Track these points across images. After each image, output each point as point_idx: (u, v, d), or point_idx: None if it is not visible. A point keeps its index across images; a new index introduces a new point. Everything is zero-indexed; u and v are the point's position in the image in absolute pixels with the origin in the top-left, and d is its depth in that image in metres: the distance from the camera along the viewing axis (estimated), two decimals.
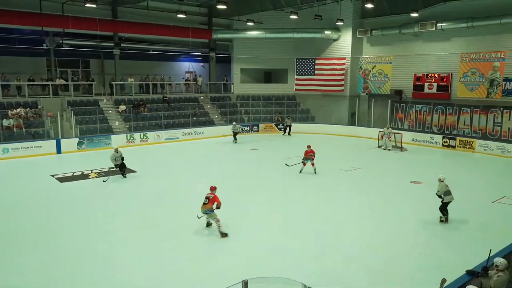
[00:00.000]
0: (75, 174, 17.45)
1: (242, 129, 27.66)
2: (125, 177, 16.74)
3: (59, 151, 21.94)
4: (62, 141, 22.24)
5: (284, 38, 31.08)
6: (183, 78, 34.83)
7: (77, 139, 22.89)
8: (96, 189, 15.34)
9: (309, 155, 16.98)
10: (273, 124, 30.43)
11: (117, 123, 25.57)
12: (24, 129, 22.04)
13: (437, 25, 24.42)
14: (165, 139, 25.66)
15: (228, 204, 11.37)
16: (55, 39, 27.19)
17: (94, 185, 15.95)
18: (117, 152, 16.67)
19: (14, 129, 21.74)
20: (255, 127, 30.09)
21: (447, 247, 10.12)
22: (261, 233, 10.85)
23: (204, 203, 10.48)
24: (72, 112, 24.32)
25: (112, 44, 28.37)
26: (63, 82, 26.67)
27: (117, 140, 23.78)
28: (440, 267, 8.83)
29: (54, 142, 22.02)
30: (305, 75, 31.39)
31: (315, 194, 14.62)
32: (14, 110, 22.46)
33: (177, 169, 18.78)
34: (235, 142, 25.66)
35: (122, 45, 29.01)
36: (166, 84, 31.23)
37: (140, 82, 30.26)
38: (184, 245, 10.06)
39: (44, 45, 27.32)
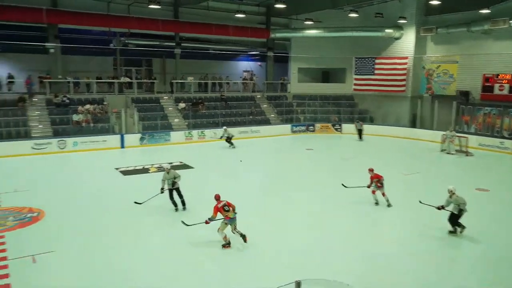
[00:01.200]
0: (136, 168, 18.25)
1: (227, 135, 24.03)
2: (184, 208, 12.41)
3: (122, 145, 23.07)
4: (126, 136, 23.36)
5: (342, 37, 30.45)
6: (240, 77, 35.26)
7: (139, 135, 23.94)
8: (154, 183, 15.91)
9: (376, 182, 12.95)
10: (329, 124, 29.96)
11: (176, 120, 26.41)
12: (91, 124, 23.40)
13: (511, 22, 22.79)
14: (221, 137, 26.08)
15: (274, 205, 11.33)
16: (121, 39, 28.59)
17: (153, 179, 16.55)
18: (168, 174, 12.24)
19: (83, 124, 23.14)
20: (310, 127, 29.80)
21: None
22: (309, 236, 10.73)
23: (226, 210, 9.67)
24: (135, 108, 25.49)
25: (174, 44, 29.33)
26: (127, 80, 27.98)
27: (176, 136, 24.62)
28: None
29: (118, 137, 23.19)
30: (364, 74, 30.60)
31: (368, 197, 14.20)
32: (84, 106, 23.93)
33: (232, 167, 19.06)
34: (233, 147, 23.61)
35: (183, 44, 29.89)
36: (224, 82, 31.80)
37: (199, 80, 31.04)
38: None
39: (111, 45, 28.81)
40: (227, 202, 9.76)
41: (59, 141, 21.48)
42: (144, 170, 17.85)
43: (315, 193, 14.40)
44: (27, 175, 16.87)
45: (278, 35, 31.72)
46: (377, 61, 29.95)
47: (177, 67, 29.80)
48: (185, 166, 18.55)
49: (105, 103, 25.13)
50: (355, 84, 31.30)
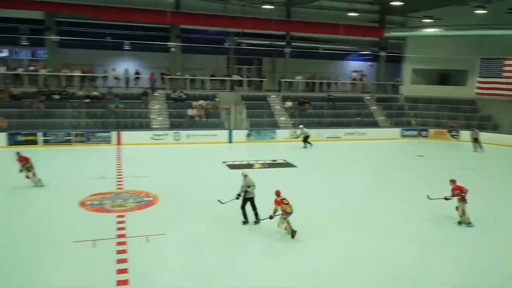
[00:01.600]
0: (242, 162, 18.89)
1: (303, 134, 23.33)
2: (256, 222, 10.91)
3: (230, 140, 24.10)
4: (234, 132, 24.35)
5: (465, 36, 27.84)
6: (349, 77, 34.41)
7: (246, 131, 24.77)
8: (257, 178, 16.26)
9: (458, 193, 11.17)
10: (445, 130, 27.64)
11: (282, 118, 26.75)
12: (204, 119, 24.84)
13: None
14: (327, 137, 25.75)
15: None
16: (234, 39, 29.84)
17: (257, 174, 16.95)
18: (244, 179, 11.02)
19: (196, 118, 24.67)
20: (423, 132, 27.84)
21: None
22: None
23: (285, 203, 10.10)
24: (244, 105, 26.43)
25: (284, 43, 29.71)
26: (238, 78, 29.13)
27: (281, 134, 24.94)
28: None
29: (227, 132, 24.27)
30: (490, 77, 27.68)
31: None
32: (197, 102, 25.52)
33: (336, 168, 18.67)
34: (308, 147, 22.99)
35: (293, 44, 30.15)
36: (333, 82, 31.31)
37: (307, 80, 31.01)
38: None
39: (225, 44, 30.25)
40: (285, 198, 10.15)
41: (174, 133, 23.22)
42: (249, 166, 18.35)
43: (417, 206, 13.18)
44: (146, 163, 18.55)
45: (393, 34, 30.24)
46: (507, 62, 26.85)
47: (286, 66, 30.16)
48: (288, 165, 18.69)
49: (216, 99, 26.47)
50: (479, 88, 28.51)
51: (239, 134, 24.45)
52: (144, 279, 8.02)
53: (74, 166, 17.55)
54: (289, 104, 27.62)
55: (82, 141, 21.82)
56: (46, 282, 7.93)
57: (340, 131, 26.24)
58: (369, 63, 36.11)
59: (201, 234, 10.38)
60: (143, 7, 25.14)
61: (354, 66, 37.02)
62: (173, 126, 24.01)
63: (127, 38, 27.22)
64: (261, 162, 18.92)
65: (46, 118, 22.43)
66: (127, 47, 27.38)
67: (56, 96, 23.62)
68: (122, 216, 11.32)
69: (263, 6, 23.73)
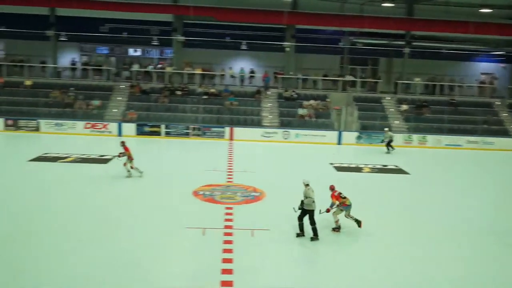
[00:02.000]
0: (350, 165, 18.37)
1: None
2: (314, 238, 9.82)
3: (339, 142, 23.63)
4: (343, 133, 23.82)
5: None
6: (476, 80, 31.21)
7: (356, 133, 24.04)
8: (366, 183, 15.69)
9: None
10: None
11: (396, 122, 25.37)
12: (313, 119, 24.75)
13: None
14: (445, 144, 23.77)
15: None
16: (350, 38, 29.13)
17: (366, 179, 16.36)
18: (305, 189, 10.01)
19: (306, 118, 24.69)
20: None
21: None
22: None
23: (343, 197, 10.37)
24: (356, 107, 25.69)
25: (403, 43, 28.13)
26: (351, 78, 28.40)
27: (395, 139, 23.61)
28: None
29: (336, 133, 23.85)
30: None
31: None
32: (308, 101, 25.53)
33: (451, 178, 17.10)
34: (389, 152, 21.53)
35: (413, 43, 28.37)
36: (456, 85, 28.75)
37: (427, 82, 28.95)
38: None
39: (340, 43, 29.71)
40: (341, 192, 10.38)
41: (284, 131, 23.55)
42: (357, 169, 17.80)
43: None
44: (255, 159, 19.14)
45: None
46: None
47: (404, 67, 28.53)
48: (399, 171, 17.68)
49: (327, 99, 26.16)
50: None
51: (349, 136, 23.83)
52: (247, 271, 8.26)
53: (190, 157, 18.87)
54: (404, 107, 26.09)
55: (198, 135, 23.37)
56: (161, 261, 8.65)
57: (462, 139, 23.98)
58: (502, 64, 32.32)
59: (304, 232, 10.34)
60: (262, 8, 26.03)
61: (483, 67, 33.46)
62: (283, 125, 24.36)
63: (244, 38, 28.39)
64: (371, 166, 18.20)
65: (169, 112, 24.51)
66: (244, 47, 28.56)
67: (179, 92, 25.67)
68: (230, 208, 11.83)
69: (383, 5, 22.75)
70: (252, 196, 13.20)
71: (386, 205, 12.95)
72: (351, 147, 23.27)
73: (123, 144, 14.54)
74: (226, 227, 10.44)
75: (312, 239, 9.82)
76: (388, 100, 27.07)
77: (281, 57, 28.34)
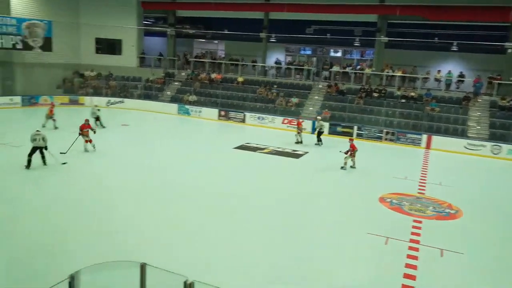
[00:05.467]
0: None
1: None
2: None
3: None
4: None
5: None
6: None
7: None
8: None
9: None
10: None
11: None
12: None
13: None
14: None
15: None
16: None
17: None
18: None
19: None
20: None
21: None
22: None
23: None
24: None
25: None
26: None
27: None
28: None
29: None
30: None
31: None
32: None
33: None
34: (320, 145, 19.99)
35: None
36: None
37: None
38: None
39: None
40: None
41: (493, 145, 20.43)
42: None
43: None
44: (454, 172, 17.19)
45: None
46: None
47: None
48: None
49: None
50: None
51: None
52: None
53: (380, 162, 18.20)
54: None
55: (391, 140, 22.32)
56: (338, 261, 8.60)
57: None
58: None
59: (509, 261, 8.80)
60: (482, 4, 23.02)
61: None
62: (493, 138, 21.14)
63: (454, 38, 25.62)
64: None
65: (363, 114, 24.14)
66: (454, 48, 25.81)
67: (375, 94, 25.01)
68: (419, 221, 10.92)
69: None
70: (446, 212, 11.89)
71: None
72: None
73: (351, 140, 16.27)
74: (412, 241, 9.66)
75: None
76: None
77: (500, 60, 24.58)
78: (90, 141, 15.84)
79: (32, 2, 26.77)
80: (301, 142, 20.11)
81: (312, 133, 22.33)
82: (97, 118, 20.94)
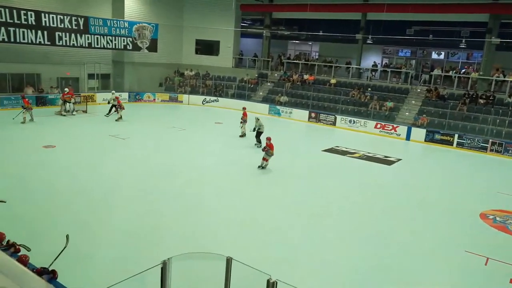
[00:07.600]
0: None
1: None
2: None
3: None
4: None
5: None
6: None
7: None
8: None
9: None
10: None
11: None
12: None
13: None
14: None
15: None
16: None
17: None
18: None
19: None
20: None
21: None
22: None
23: None
24: None
25: None
26: None
27: None
28: None
29: None
30: None
31: None
32: None
33: None
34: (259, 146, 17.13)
35: None
36: None
37: None
38: None
39: None
40: None
41: None
42: None
43: None
44: None
45: None
46: None
47: None
48: None
49: None
50: None
51: None
52: None
53: (484, 175, 16.66)
54: None
55: (498, 151, 20.26)
56: (427, 274, 8.05)
57: None
58: None
59: None
60: None
61: None
62: None
63: None
64: None
65: (466, 121, 22.27)
66: None
67: (482, 100, 22.92)
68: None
69: None
70: None
71: None
72: None
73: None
74: None
75: None
76: None
77: None
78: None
79: (143, 6, 29.06)
80: (244, 135, 19.77)
81: (406, 140, 21.19)
82: (113, 106, 22.55)
